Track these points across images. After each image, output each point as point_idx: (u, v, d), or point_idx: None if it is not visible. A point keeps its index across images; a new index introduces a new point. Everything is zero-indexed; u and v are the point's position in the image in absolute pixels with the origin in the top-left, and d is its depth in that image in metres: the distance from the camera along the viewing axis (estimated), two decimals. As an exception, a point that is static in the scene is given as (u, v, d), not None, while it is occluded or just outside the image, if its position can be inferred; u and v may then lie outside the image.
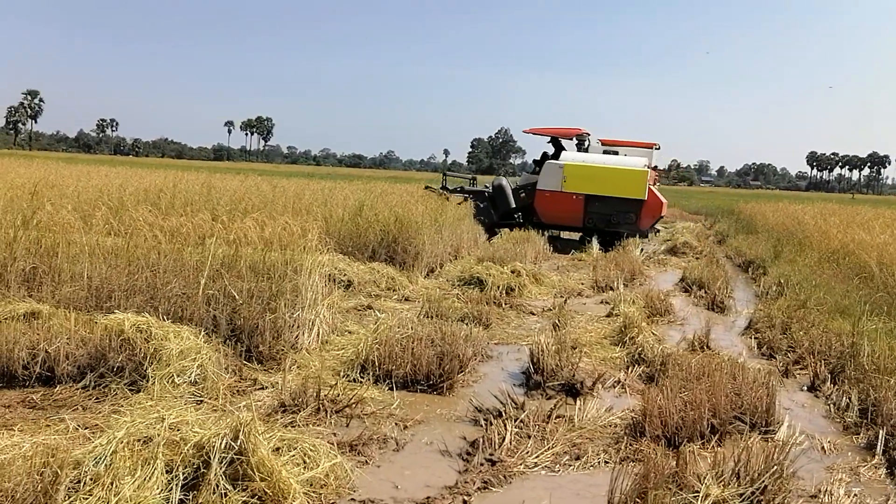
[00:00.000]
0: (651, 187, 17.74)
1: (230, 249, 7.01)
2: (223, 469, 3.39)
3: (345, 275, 10.10)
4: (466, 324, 7.71)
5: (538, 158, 19.03)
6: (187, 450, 3.40)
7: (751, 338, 8.24)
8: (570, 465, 4.52)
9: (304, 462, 3.91)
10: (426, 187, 18.66)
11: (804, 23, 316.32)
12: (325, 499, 3.84)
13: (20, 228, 7.22)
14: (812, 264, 11.70)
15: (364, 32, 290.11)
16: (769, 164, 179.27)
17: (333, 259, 9.90)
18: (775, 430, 5.17)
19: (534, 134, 19.61)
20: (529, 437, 4.80)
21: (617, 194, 17.23)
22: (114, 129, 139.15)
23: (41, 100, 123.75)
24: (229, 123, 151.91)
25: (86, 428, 4.53)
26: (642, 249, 16.57)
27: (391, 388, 5.80)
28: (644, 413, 5.01)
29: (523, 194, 18.46)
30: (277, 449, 3.88)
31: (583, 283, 11.63)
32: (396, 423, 5.08)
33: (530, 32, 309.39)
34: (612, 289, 11.02)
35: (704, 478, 3.83)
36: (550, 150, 19.08)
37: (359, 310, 8.85)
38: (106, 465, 3.19)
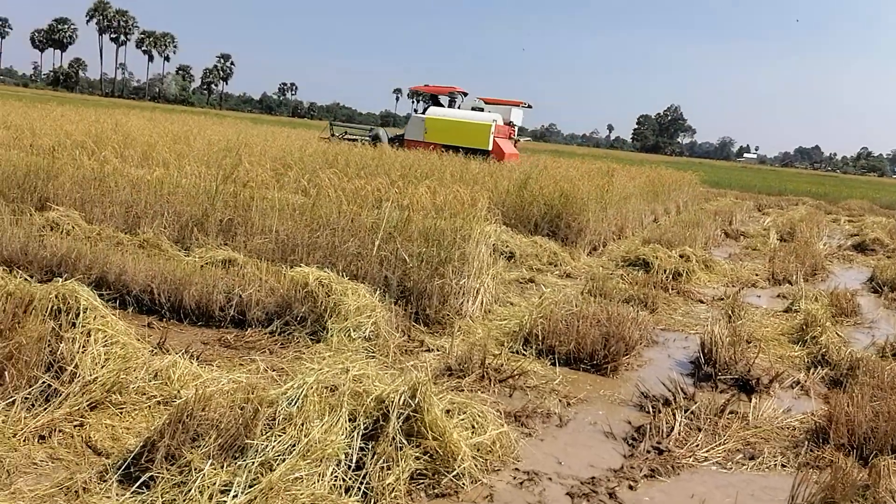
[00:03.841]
0: (497, 139, 20.74)
1: (403, 214, 7.24)
2: (400, 424, 3.55)
3: (507, 246, 10.17)
4: (632, 306, 7.52)
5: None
6: (369, 402, 3.58)
7: (954, 350, 7.40)
8: (744, 465, 4.31)
9: (473, 427, 4.01)
10: (321, 138, 21.40)
11: None
12: (491, 465, 3.92)
13: (221, 183, 7.87)
14: None
15: (527, 1, 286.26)
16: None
17: (498, 230, 9.99)
18: (983, 455, 4.64)
19: (417, 91, 23.78)
20: (700, 430, 4.62)
21: (467, 144, 19.91)
22: (293, 92, 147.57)
23: (232, 63, 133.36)
24: (397, 91, 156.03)
25: (273, 370, 4.90)
26: (826, 243, 15.35)
27: (553, 364, 5.79)
28: (829, 419, 4.67)
29: (396, 143, 21.19)
30: (448, 411, 4.00)
31: (757, 274, 10.95)
32: (560, 400, 5.07)
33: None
34: (790, 282, 10.30)
35: (901, 497, 3.52)
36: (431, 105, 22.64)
37: (520, 282, 8.89)
38: (298, 407, 3.43)
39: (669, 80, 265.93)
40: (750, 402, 5.23)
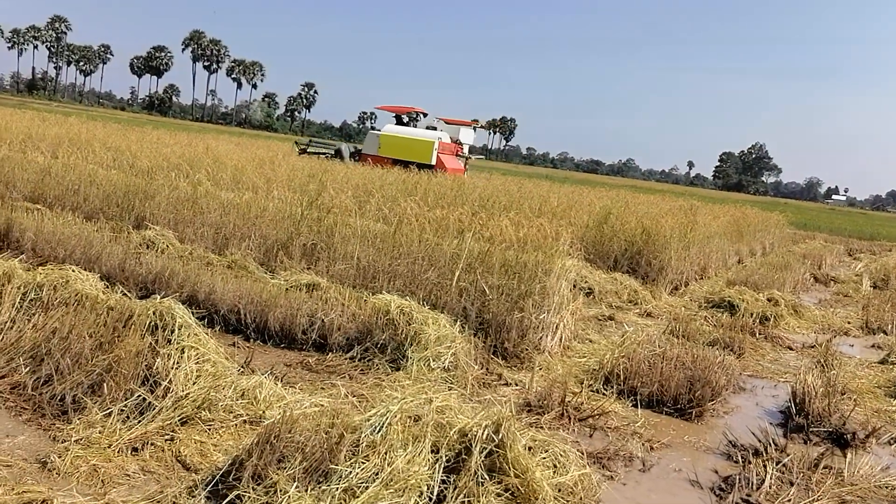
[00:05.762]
0: (441, 155, 22.95)
1: (485, 246, 7.24)
2: (482, 458, 3.50)
3: (586, 282, 10.03)
4: (717, 350, 7.26)
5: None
6: (452, 434, 3.55)
7: None
8: (840, 525, 4.07)
9: (555, 466, 3.91)
10: (301, 151, 23.96)
11: None
12: (572, 507, 3.81)
13: (306, 208, 8.06)
14: None
15: (610, 36, 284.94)
16: None
17: (577, 265, 9.87)
18: None
19: (383, 111, 25.87)
20: (792, 483, 4.39)
21: (413, 159, 22.09)
22: (373, 121, 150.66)
23: (315, 91, 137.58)
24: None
25: (353, 396, 4.94)
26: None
27: (635, 406, 5.64)
28: (935, 482, 4.37)
29: (357, 157, 23.68)
30: (530, 448, 3.93)
31: (849, 322, 10.43)
32: (642, 443, 4.92)
33: (796, 37, 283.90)
34: (885, 332, 9.79)
35: None
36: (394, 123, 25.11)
37: (599, 319, 8.74)
38: (382, 435, 3.44)
39: (754, 117, 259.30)
40: (845, 457, 4.94)
